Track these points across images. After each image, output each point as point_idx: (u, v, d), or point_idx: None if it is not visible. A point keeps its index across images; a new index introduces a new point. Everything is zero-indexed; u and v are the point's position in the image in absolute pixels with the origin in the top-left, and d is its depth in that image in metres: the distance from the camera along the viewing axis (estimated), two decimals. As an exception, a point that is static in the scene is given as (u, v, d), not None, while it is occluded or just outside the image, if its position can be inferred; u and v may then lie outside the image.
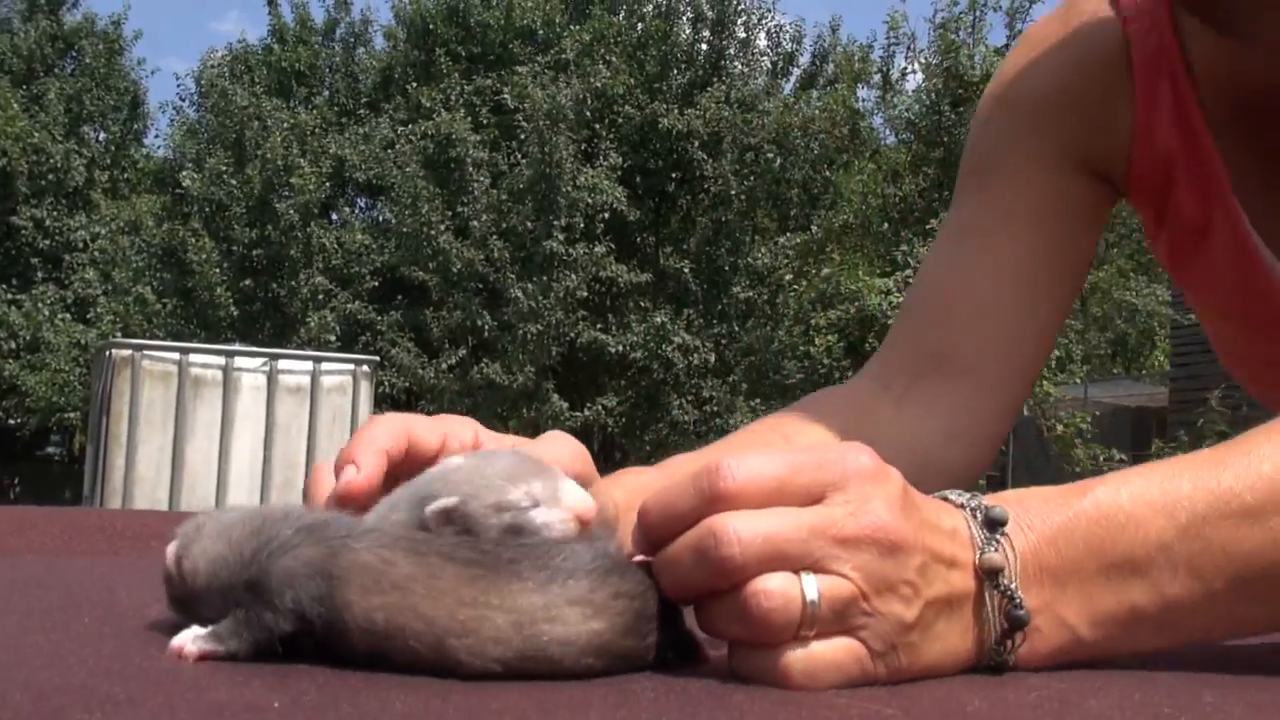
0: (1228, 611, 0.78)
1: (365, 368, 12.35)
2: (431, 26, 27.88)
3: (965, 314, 1.28)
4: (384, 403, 22.42)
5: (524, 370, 22.93)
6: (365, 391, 12.11)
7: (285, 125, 25.72)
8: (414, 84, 27.39)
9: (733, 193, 25.14)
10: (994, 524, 0.75)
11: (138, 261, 26.10)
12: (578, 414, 23.63)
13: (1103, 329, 21.71)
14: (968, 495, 0.77)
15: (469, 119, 25.38)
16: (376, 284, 25.79)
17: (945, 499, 0.77)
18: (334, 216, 27.59)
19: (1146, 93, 1.24)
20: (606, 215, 24.25)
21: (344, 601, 0.67)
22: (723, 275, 25.53)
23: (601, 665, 0.68)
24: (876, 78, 23.83)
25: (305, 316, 24.45)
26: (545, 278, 23.47)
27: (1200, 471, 0.79)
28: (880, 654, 0.69)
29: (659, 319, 24.33)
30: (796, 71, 28.16)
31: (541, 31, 27.02)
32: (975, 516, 0.75)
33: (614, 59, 26.24)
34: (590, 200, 23.86)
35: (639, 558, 0.73)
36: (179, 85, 36.92)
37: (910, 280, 16.38)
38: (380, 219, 28.14)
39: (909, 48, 22.60)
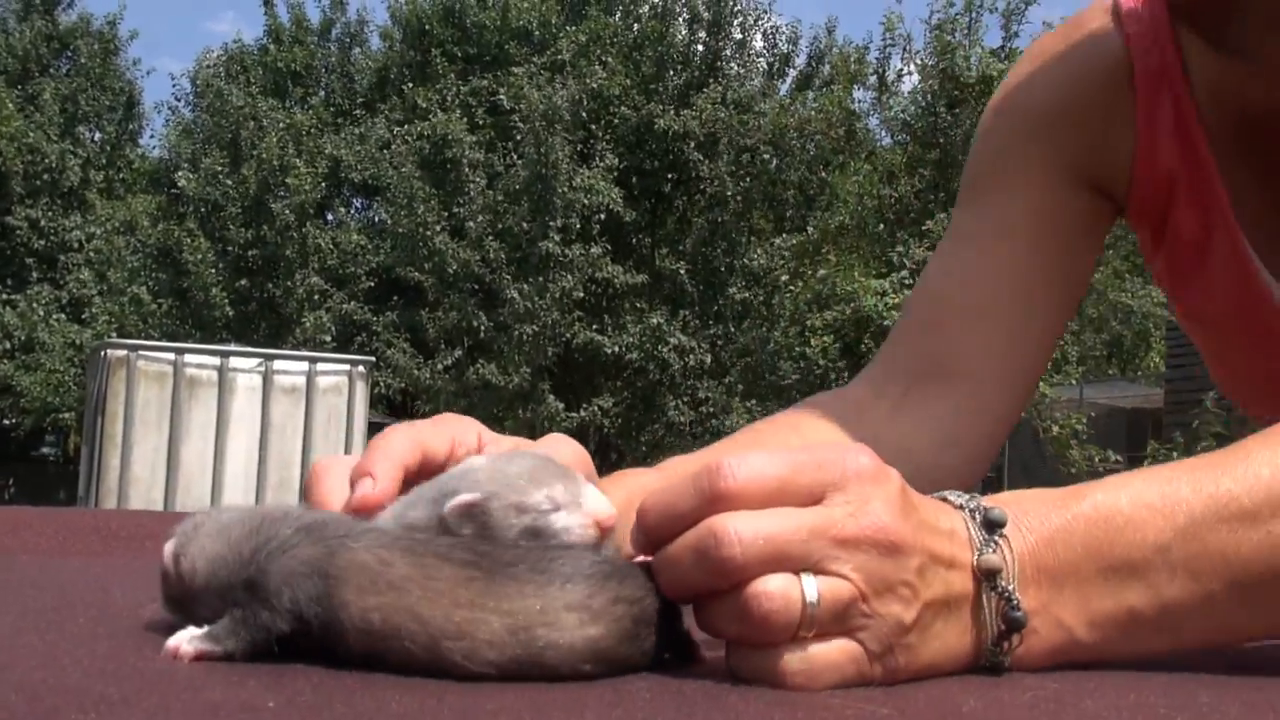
0: (1225, 616, 0.78)
1: (361, 368, 12.34)
2: (427, 27, 27.88)
3: (962, 320, 1.29)
4: (379, 404, 22.45)
5: (520, 371, 22.94)
6: (361, 392, 12.10)
7: (281, 125, 25.72)
8: (410, 84, 27.39)
9: (729, 194, 25.15)
10: (993, 525, 0.75)
11: (133, 262, 26.08)
12: (573, 415, 23.64)
13: (1098, 330, 21.72)
14: (966, 496, 0.77)
15: (465, 119, 25.39)
16: (372, 284, 25.79)
17: (944, 500, 0.77)
18: (330, 217, 27.59)
19: (1148, 110, 1.24)
20: (602, 216, 24.26)
21: (341, 601, 0.67)
22: (719, 276, 25.55)
23: (598, 671, 0.68)
24: (872, 79, 23.88)
25: (301, 317, 24.45)
26: (541, 278, 23.47)
27: (1199, 475, 0.79)
28: (878, 655, 0.69)
29: (655, 320, 24.34)
30: (792, 73, 28.20)
31: (537, 32, 27.03)
32: (974, 518, 0.75)
33: (610, 60, 26.26)
34: (586, 201, 23.87)
35: (639, 558, 0.73)
36: (174, 85, 36.94)
37: (906, 281, 16.43)
38: (376, 219, 28.14)
39: (905, 49, 22.62)
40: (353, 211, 29.04)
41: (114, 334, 21.88)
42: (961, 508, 0.76)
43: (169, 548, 0.75)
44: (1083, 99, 1.27)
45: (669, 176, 26.44)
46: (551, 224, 23.51)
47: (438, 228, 23.66)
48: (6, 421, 27.02)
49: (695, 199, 26.37)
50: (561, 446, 0.87)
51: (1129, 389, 21.62)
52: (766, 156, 24.94)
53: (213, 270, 24.55)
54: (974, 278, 1.29)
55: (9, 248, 27.37)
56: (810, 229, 21.73)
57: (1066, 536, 0.76)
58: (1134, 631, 0.77)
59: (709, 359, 24.55)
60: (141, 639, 0.76)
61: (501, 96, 25.48)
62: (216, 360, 11.74)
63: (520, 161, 24.18)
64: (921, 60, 21.42)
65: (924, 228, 19.36)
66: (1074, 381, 19.64)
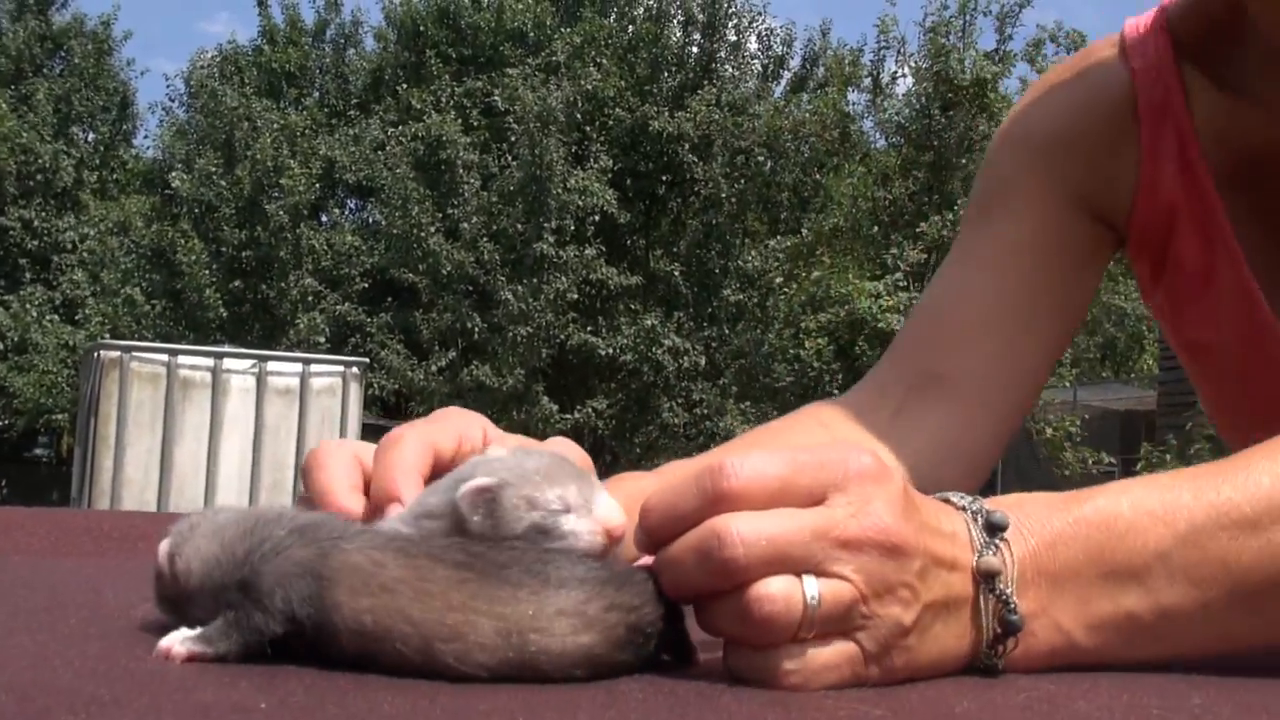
0: (1224, 623, 0.78)
1: (355, 370, 12.33)
2: (422, 28, 27.87)
3: (960, 336, 1.30)
4: (373, 405, 22.42)
5: (514, 373, 22.93)
6: (355, 393, 12.09)
7: (275, 126, 25.69)
8: (404, 86, 27.38)
9: (723, 196, 25.16)
10: (994, 528, 0.75)
11: (126, 263, 26.04)
12: (568, 416, 23.64)
13: (1091, 333, 21.78)
14: (969, 498, 0.77)
15: (459, 121, 25.38)
16: (366, 286, 25.77)
17: (947, 501, 0.77)
18: (324, 218, 27.56)
19: (1151, 141, 1.26)
20: (597, 218, 24.26)
21: (333, 603, 0.67)
22: (713, 278, 25.55)
23: (592, 676, 0.68)
24: (867, 81, 23.89)
25: (294, 318, 24.42)
26: (535, 280, 23.47)
27: (1200, 483, 0.80)
28: (875, 656, 0.69)
29: (649, 322, 24.34)
30: (787, 75, 28.22)
31: (532, 34, 27.03)
32: (976, 520, 0.75)
33: (605, 61, 26.26)
34: (581, 203, 23.86)
35: (642, 559, 0.73)
36: (168, 86, 36.81)
37: (900, 283, 16.43)
38: (370, 221, 28.12)
39: (899, 51, 22.65)
40: (347, 213, 29.02)
41: (107, 335, 21.84)
42: (964, 509, 0.76)
43: (164, 547, 0.75)
44: (1088, 128, 1.29)
45: (663, 178, 26.45)
46: (546, 225, 23.51)
47: (432, 229, 23.65)
48: (-1, 423, 26.98)
49: (690, 201, 26.37)
50: (564, 450, 0.87)
51: (1122, 391, 21.66)
52: (761, 158, 24.95)
53: (206, 271, 24.51)
54: (975, 294, 1.31)
55: (2, 248, 27.33)
56: (804, 231, 21.75)
57: (1067, 540, 0.76)
58: (1132, 637, 0.77)
59: (703, 361, 24.56)
60: (133, 640, 0.76)
61: (496, 98, 25.47)
62: (210, 361, 11.72)
63: (515, 163, 24.17)
64: (916, 63, 21.45)
65: (918, 230, 19.38)
66: (1068, 384, 19.67)
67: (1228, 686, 0.75)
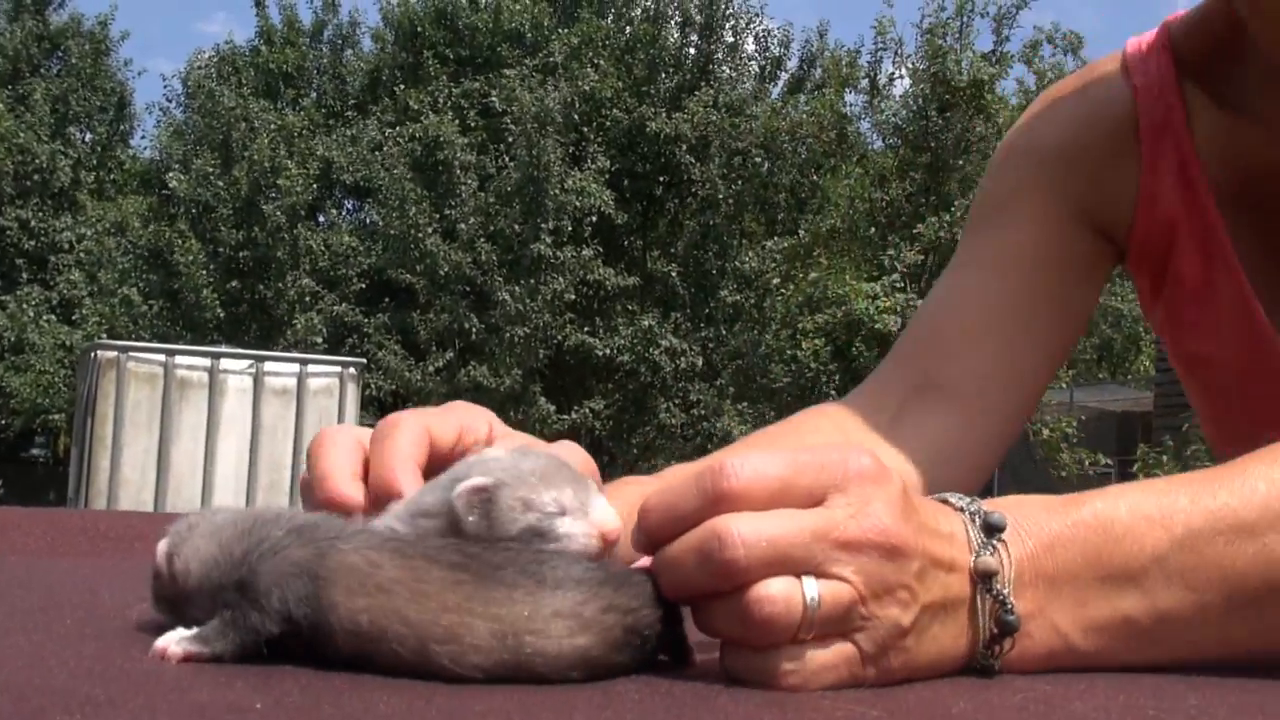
0: (1221, 628, 0.79)
1: (352, 370, 12.31)
2: (419, 29, 27.86)
3: (961, 341, 1.31)
4: (370, 406, 22.40)
5: (511, 373, 22.93)
6: (352, 394, 12.07)
7: (272, 127, 25.69)
8: (402, 86, 27.37)
9: (720, 196, 25.17)
10: (992, 529, 0.75)
11: (123, 263, 26.02)
12: (565, 417, 23.64)
13: (1088, 334, 21.79)
14: (967, 500, 0.77)
15: (457, 121, 25.38)
16: (363, 286, 25.76)
17: (945, 502, 0.77)
18: (321, 218, 27.55)
19: (1152, 158, 1.28)
20: (594, 218, 24.27)
21: (329, 603, 0.67)
22: (710, 279, 25.56)
23: (588, 678, 0.67)
24: (864, 82, 23.92)
25: (292, 318, 24.41)
26: (533, 280, 23.47)
27: (1197, 489, 0.80)
28: (873, 657, 0.69)
29: (646, 322, 24.34)
30: (784, 76, 28.23)
31: (529, 35, 27.03)
32: (974, 521, 0.75)
33: (602, 62, 26.26)
34: (578, 203, 23.87)
35: (641, 560, 0.73)
36: (166, 86, 36.82)
37: (897, 284, 16.43)
38: (367, 221, 28.10)
39: (896, 53, 22.69)
40: (344, 213, 29.01)
41: (104, 335, 21.81)
42: (962, 510, 0.76)
43: (162, 547, 0.75)
44: (1089, 141, 1.31)
45: (660, 179, 26.45)
46: (543, 226, 23.51)
47: (429, 230, 23.64)
48: (-4, 423, 26.94)
49: (687, 202, 26.38)
50: (571, 455, 0.87)
51: (1119, 392, 21.68)
52: (758, 159, 24.96)
53: (204, 271, 24.50)
54: (974, 301, 1.32)
55: (-1, 248, 27.32)
56: (801, 232, 21.77)
57: (1065, 543, 0.76)
58: (1129, 640, 0.77)
59: (700, 361, 24.56)
60: (129, 640, 0.76)
61: (493, 99, 25.47)
62: (207, 362, 11.70)
63: (512, 164, 24.17)
64: (913, 64, 21.48)
65: (915, 231, 19.39)
66: (1064, 385, 19.69)
67: (1224, 687, 0.75)
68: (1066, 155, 1.32)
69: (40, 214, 27.17)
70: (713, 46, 26.79)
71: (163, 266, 25.02)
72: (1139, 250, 1.32)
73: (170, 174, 26.30)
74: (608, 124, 25.76)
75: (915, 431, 1.27)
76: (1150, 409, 18.77)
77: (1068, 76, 1.41)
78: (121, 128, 30.27)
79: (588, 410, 24.18)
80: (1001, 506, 0.77)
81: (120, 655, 0.71)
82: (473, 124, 26.06)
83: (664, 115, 25.38)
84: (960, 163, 20.49)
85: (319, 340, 23.72)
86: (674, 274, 25.47)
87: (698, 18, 26.78)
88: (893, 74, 23.73)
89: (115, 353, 11.49)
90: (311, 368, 12.14)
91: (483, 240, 23.69)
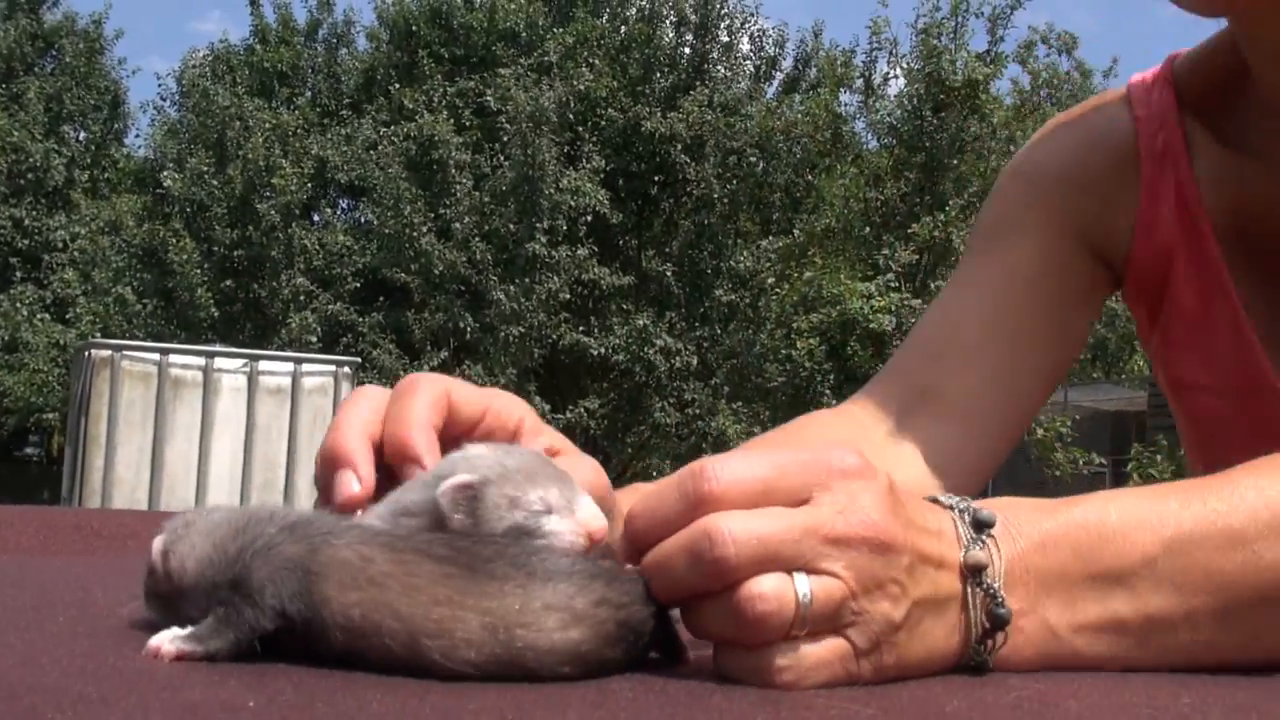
0: (1210, 634, 0.79)
1: (346, 369, 12.31)
2: (414, 28, 27.84)
3: (958, 357, 1.33)
4: (365, 404, 22.30)
5: (506, 372, 22.92)
6: (346, 393, 12.03)
7: (267, 126, 25.66)
8: (397, 85, 27.35)
9: (715, 196, 25.19)
10: (981, 525, 0.75)
11: (117, 262, 25.98)
12: (560, 416, 23.63)
13: (1083, 333, 21.79)
14: (956, 498, 0.78)
15: (452, 121, 25.36)
16: (358, 285, 25.74)
17: (935, 501, 0.77)
18: (316, 218, 27.53)
19: (1152, 185, 1.30)
20: (589, 218, 24.27)
21: (322, 597, 0.67)
22: (705, 278, 25.57)
23: (581, 674, 0.67)
24: (859, 82, 23.93)
25: (286, 318, 24.38)
26: (528, 280, 23.46)
27: (1187, 495, 0.81)
28: (866, 652, 0.69)
29: (641, 322, 24.35)
30: (779, 75, 28.26)
31: (524, 34, 27.02)
32: (963, 518, 0.76)
33: (597, 62, 26.26)
34: (573, 203, 23.87)
35: (629, 567, 0.73)
36: (160, 85, 36.75)
37: (892, 284, 16.47)
38: (362, 220, 28.08)
39: (891, 53, 22.71)
40: (339, 212, 28.99)
41: (98, 334, 21.79)
42: (951, 508, 0.76)
43: (157, 543, 0.75)
44: (1091, 167, 1.33)
45: (655, 179, 26.46)
46: (538, 225, 23.51)
47: (424, 229, 23.63)
48: (-11, 422, 26.90)
49: (682, 201, 26.39)
50: (583, 467, 0.87)
51: (1113, 392, 21.71)
52: (753, 159, 24.98)
53: (198, 270, 24.47)
54: (974, 318, 1.34)
55: (-8, 247, 27.27)
56: (796, 231, 21.79)
57: (1056, 542, 0.77)
58: (1119, 641, 0.78)
59: (695, 361, 24.57)
60: (121, 638, 0.76)
61: (488, 98, 25.46)
62: (201, 361, 11.69)
63: (507, 163, 24.16)
64: (908, 64, 21.50)
65: (910, 231, 19.42)
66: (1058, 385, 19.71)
67: (1218, 686, 0.75)
68: (1068, 179, 1.34)
69: (34, 213, 27.12)
70: (708, 46, 26.80)
71: (157, 265, 24.99)
72: (1136, 277, 1.34)
73: (164, 173, 26.26)
74: (603, 123, 25.77)
75: (913, 441, 1.28)
76: (1144, 408, 18.80)
77: (1074, 106, 1.43)
78: (116, 126, 30.23)
79: (583, 410, 24.18)
80: (992, 507, 0.78)
81: (113, 654, 0.71)
82: (468, 123, 26.05)
83: (659, 115, 25.38)
84: (955, 162, 20.52)
85: (313, 339, 23.69)
86: (669, 273, 25.48)
87: (693, 17, 26.78)
88: (887, 74, 23.75)
89: (109, 352, 11.48)
90: (306, 367, 12.13)
91: (477, 239, 23.68)
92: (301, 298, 24.87)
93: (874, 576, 0.68)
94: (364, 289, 25.83)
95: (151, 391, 11.38)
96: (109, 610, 0.90)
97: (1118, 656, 0.78)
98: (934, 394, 1.31)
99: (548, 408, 23.38)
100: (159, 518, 0.80)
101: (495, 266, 23.62)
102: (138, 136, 38.85)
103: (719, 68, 26.88)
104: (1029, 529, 0.77)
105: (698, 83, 25.99)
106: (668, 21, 27.04)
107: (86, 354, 11.61)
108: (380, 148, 25.14)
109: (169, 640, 0.69)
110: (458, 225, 23.73)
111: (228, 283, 25.09)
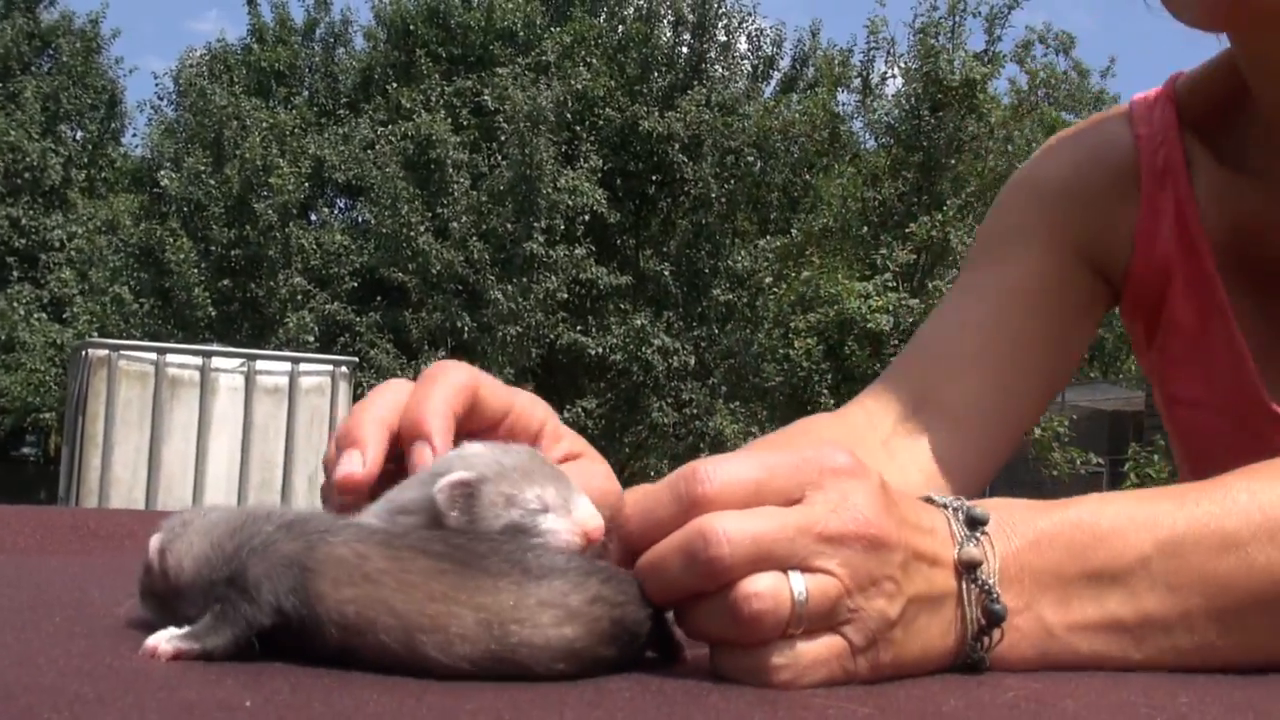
0: (1205, 635, 0.79)
1: (344, 369, 12.30)
2: (412, 27, 27.84)
3: (957, 365, 1.34)
4: (362, 404, 22.32)
5: (504, 372, 22.90)
6: (344, 393, 12.06)
7: (264, 125, 25.64)
8: (394, 85, 27.35)
9: (713, 195, 25.19)
10: (975, 522, 0.76)
11: (115, 261, 25.96)
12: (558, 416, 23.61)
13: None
14: (951, 497, 0.78)
15: (449, 120, 25.36)
16: (355, 285, 25.73)
17: (929, 500, 0.77)
18: (313, 217, 27.52)
19: (1151, 201, 1.32)
20: (587, 217, 24.27)
21: (317, 594, 0.67)
22: (702, 278, 25.57)
23: (576, 671, 0.67)
24: (856, 82, 23.94)
25: (283, 317, 24.37)
26: (525, 279, 23.46)
27: (1181, 498, 0.81)
28: (862, 649, 0.69)
29: (639, 321, 24.35)
30: (777, 75, 28.26)
31: (522, 33, 27.02)
32: (957, 516, 0.76)
33: (595, 61, 26.26)
34: (570, 202, 23.86)
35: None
36: (157, 84, 36.83)
37: (889, 284, 16.45)
38: (359, 220, 28.08)
39: (889, 52, 22.71)
40: (336, 212, 28.99)
41: (95, 333, 21.78)
42: (945, 506, 0.77)
43: (155, 541, 0.75)
44: (1092, 182, 1.35)
45: (653, 178, 26.46)
46: (536, 225, 23.50)
47: (421, 228, 23.62)
48: (-14, 421, 26.88)
49: (679, 201, 26.39)
50: (596, 471, 0.87)
51: (1110, 391, 21.73)
52: (750, 159, 24.98)
53: (195, 270, 24.45)
54: (973, 328, 1.35)
55: (-11, 246, 27.25)
56: (794, 231, 21.79)
57: (1050, 540, 0.77)
58: (1116, 640, 0.78)
59: (693, 360, 24.57)
60: (118, 638, 0.76)
61: (486, 97, 25.46)
62: (198, 360, 11.69)
63: (504, 162, 24.16)
64: (905, 63, 21.50)
65: (907, 230, 19.42)
66: (1056, 384, 19.71)
67: (1215, 685, 0.75)
68: (1070, 192, 1.36)
69: (31, 212, 27.10)
70: (705, 45, 26.80)
71: (154, 265, 24.97)
72: (1134, 293, 1.35)
73: (161, 172, 26.24)
74: (600, 123, 25.76)
75: (911, 446, 1.29)
76: (1142, 408, 18.82)
77: (1078, 121, 1.46)
78: (112, 126, 30.21)
79: (580, 409, 24.18)
80: (986, 506, 0.78)
81: (109, 653, 0.70)
82: (465, 123, 26.05)
83: (657, 114, 25.38)
84: (952, 162, 20.53)
85: (311, 339, 23.68)
86: (666, 273, 25.48)
87: (690, 17, 26.78)
88: (885, 73, 23.76)
89: (106, 351, 11.47)
90: (303, 366, 12.13)
91: (475, 239, 23.67)
92: (299, 297, 24.86)
93: (868, 574, 0.69)
94: (361, 288, 25.82)
95: (148, 391, 11.37)
96: (106, 610, 0.90)
97: (1114, 656, 0.78)
98: (934, 400, 1.31)
99: (545, 407, 23.36)
100: (156, 517, 0.80)
101: (493, 266, 23.62)
102: (135, 136, 38.93)
103: (716, 67, 26.88)
104: (1023, 528, 0.77)
105: (695, 82, 25.99)
106: (665, 21, 27.04)
107: (83, 353, 11.60)
108: (378, 147, 25.13)
109: (166, 640, 0.69)
110: (455, 225, 23.72)
111: (225, 282, 25.08)
